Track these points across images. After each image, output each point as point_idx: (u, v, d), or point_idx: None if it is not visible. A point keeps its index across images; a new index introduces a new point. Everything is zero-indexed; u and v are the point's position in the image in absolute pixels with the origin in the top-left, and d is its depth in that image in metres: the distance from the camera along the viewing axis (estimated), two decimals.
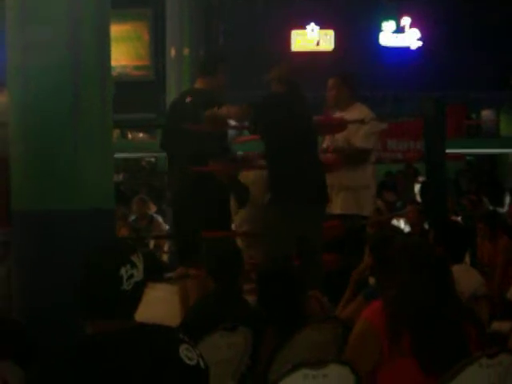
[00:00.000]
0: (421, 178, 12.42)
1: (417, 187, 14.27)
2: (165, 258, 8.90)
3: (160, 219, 9.98)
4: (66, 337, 2.99)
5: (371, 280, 4.65)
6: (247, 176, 6.12)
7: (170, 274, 6.85)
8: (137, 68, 18.96)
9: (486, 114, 21.21)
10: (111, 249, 2.46)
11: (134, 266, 2.38)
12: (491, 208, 9.67)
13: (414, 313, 3.16)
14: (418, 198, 12.84)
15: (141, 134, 22.12)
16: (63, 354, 2.34)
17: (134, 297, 2.41)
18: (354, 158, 6.12)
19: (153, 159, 20.95)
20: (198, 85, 5.88)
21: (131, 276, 2.37)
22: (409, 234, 7.26)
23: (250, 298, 4.28)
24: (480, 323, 3.43)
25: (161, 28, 13.15)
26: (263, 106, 5.45)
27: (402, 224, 10.32)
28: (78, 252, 2.58)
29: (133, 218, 9.95)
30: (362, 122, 6.06)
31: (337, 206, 6.22)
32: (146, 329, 2.42)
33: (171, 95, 9.40)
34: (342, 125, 6.21)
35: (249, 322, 3.84)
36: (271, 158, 5.48)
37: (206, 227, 5.29)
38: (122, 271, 2.36)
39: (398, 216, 9.93)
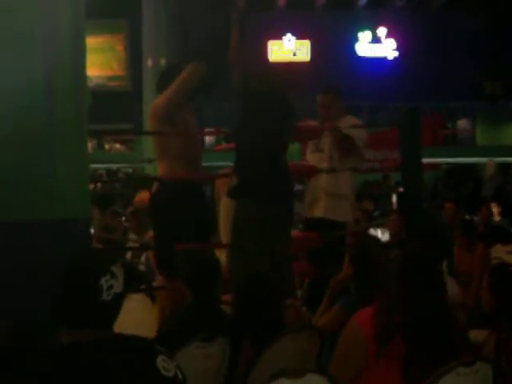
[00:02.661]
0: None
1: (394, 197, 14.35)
2: (141, 268, 8.83)
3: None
4: (38, 346, 2.98)
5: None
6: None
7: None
8: (112, 79, 18.94)
9: (462, 123, 21.36)
10: (92, 258, 2.45)
11: (114, 276, 2.38)
12: (468, 217, 9.72)
13: (408, 321, 3.16)
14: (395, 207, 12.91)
15: (118, 145, 22.08)
16: (38, 364, 2.32)
17: (113, 307, 2.40)
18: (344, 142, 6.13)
19: (130, 170, 20.92)
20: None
21: (111, 287, 2.36)
22: (388, 243, 7.29)
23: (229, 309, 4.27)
24: (462, 332, 3.44)
25: (137, 38, 13.16)
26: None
27: (379, 233, 10.35)
28: (51, 261, 2.56)
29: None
30: (352, 127, 6.15)
31: (319, 211, 6.25)
32: (123, 340, 2.41)
33: (148, 105, 9.39)
34: (319, 131, 6.27)
35: (226, 333, 3.83)
36: (241, 162, 5.45)
37: (183, 238, 5.26)
38: (102, 281, 2.35)
39: (379, 225, 9.96)
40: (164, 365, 2.38)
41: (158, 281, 5.71)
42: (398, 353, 3.12)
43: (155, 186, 5.68)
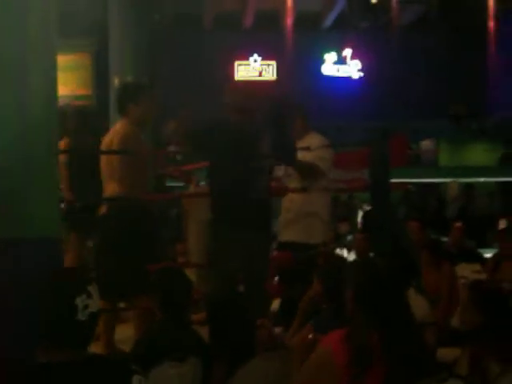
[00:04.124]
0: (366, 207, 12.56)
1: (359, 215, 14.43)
2: None
3: None
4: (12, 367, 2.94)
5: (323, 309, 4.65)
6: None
7: None
8: (78, 98, 18.85)
9: (426, 144, 21.54)
10: (67, 278, 2.43)
11: (89, 296, 2.36)
12: (434, 236, 9.78)
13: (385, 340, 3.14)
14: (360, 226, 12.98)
15: None
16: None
17: (89, 327, 2.38)
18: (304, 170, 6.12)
19: None
20: (118, 123, 5.69)
21: (86, 306, 2.34)
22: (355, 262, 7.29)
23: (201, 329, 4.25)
24: (429, 350, 3.45)
25: (103, 57, 13.13)
26: (209, 130, 5.42)
27: (345, 253, 10.39)
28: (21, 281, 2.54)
29: None
30: (307, 149, 6.11)
31: (291, 234, 6.26)
32: (98, 360, 2.39)
33: (114, 124, 9.35)
34: None
35: (198, 352, 3.81)
36: (214, 182, 5.46)
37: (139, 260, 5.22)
38: (78, 301, 2.33)
39: (345, 245, 10.00)
40: None
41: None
42: (371, 382, 3.08)
43: (104, 208, 5.61)
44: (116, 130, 5.61)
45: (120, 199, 5.43)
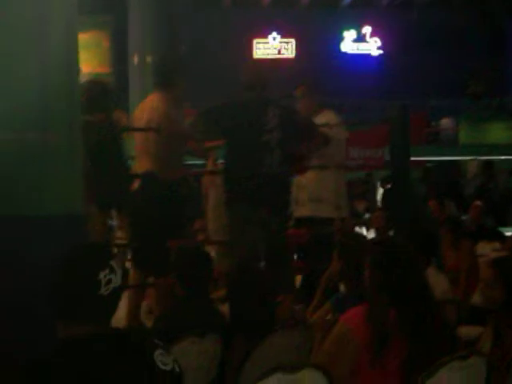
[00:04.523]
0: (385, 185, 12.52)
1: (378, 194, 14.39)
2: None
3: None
4: (32, 343, 2.97)
5: (342, 287, 4.66)
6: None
7: None
8: (97, 75, 18.87)
9: (446, 121, 21.39)
10: (91, 252, 2.43)
11: (112, 271, 2.36)
12: (456, 213, 9.76)
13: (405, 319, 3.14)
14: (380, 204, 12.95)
15: None
16: (36, 361, 2.30)
17: (111, 302, 2.39)
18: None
19: None
20: (155, 98, 5.62)
21: (109, 281, 2.35)
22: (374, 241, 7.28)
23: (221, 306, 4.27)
24: (450, 327, 3.44)
25: (122, 35, 13.11)
26: (224, 113, 5.43)
27: (364, 231, 10.38)
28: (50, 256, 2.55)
29: None
30: (326, 125, 6.10)
31: (306, 209, 6.27)
32: (120, 334, 2.40)
33: (134, 102, 9.36)
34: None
35: (218, 329, 3.83)
36: (230, 160, 5.48)
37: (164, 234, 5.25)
38: (101, 276, 2.33)
39: (364, 223, 9.98)
40: (162, 359, 2.37)
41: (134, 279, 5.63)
42: (392, 360, 3.09)
43: (136, 184, 5.62)
44: (154, 107, 5.54)
45: (153, 175, 5.45)
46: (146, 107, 5.60)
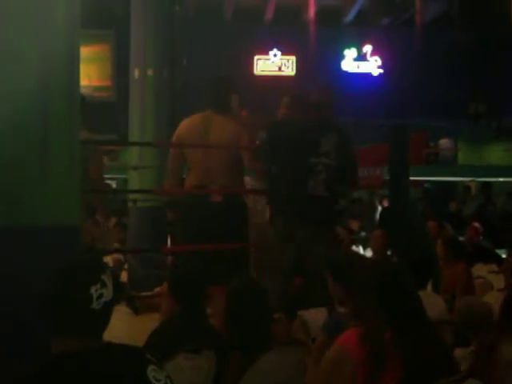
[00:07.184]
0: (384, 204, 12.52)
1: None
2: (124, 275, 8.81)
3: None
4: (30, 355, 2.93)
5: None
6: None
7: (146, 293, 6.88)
8: (97, 89, 18.90)
9: (444, 142, 21.43)
10: (82, 267, 2.42)
11: (104, 285, 2.36)
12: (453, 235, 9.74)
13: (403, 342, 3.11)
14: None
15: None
16: (29, 375, 2.28)
17: (103, 316, 2.38)
18: None
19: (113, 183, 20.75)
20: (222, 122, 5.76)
21: (101, 295, 2.34)
22: (373, 260, 7.26)
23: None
24: (446, 348, 3.42)
25: (123, 49, 13.13)
26: (273, 130, 5.65)
27: (361, 250, 10.35)
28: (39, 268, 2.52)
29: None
30: None
31: None
32: (113, 349, 2.38)
33: (134, 116, 9.35)
34: None
35: (213, 346, 3.80)
36: (275, 175, 5.62)
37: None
38: (92, 290, 2.33)
39: (362, 242, 9.96)
40: (154, 374, 2.37)
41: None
42: (388, 381, 3.06)
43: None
44: (227, 128, 5.69)
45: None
46: (215, 128, 5.71)
